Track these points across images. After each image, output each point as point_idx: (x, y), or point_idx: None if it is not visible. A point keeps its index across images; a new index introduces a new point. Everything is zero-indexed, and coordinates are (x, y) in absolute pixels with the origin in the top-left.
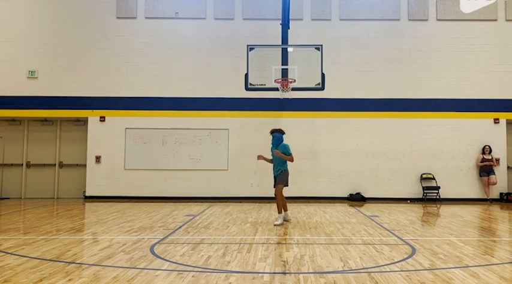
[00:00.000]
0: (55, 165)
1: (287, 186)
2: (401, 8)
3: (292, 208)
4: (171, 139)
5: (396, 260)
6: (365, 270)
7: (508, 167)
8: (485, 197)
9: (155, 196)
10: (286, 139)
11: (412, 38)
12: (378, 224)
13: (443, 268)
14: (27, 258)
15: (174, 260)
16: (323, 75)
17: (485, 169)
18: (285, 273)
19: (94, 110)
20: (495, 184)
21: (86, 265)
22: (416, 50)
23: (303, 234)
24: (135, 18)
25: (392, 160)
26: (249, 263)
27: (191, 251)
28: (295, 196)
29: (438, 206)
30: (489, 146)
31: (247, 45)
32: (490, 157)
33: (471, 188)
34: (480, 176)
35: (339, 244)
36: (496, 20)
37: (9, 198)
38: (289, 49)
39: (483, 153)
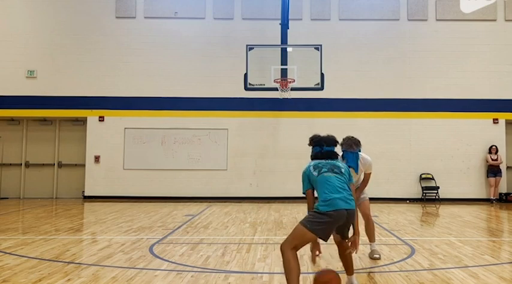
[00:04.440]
0: (54, 164)
1: None
2: (401, 8)
3: (291, 208)
4: (170, 139)
5: (395, 261)
6: (364, 270)
7: (508, 167)
8: (484, 197)
9: (154, 196)
10: (286, 140)
11: (412, 38)
12: (377, 224)
13: (442, 268)
14: (26, 258)
15: (173, 260)
16: (322, 75)
17: (493, 169)
18: (284, 273)
19: (93, 110)
20: (497, 186)
21: (85, 265)
22: (415, 50)
23: None
24: (134, 18)
25: (391, 160)
26: (248, 263)
27: (190, 251)
28: (294, 196)
29: (437, 206)
30: (496, 146)
31: (247, 45)
32: (496, 157)
33: (470, 188)
34: (487, 177)
35: None
36: (495, 20)
37: (8, 198)
38: (289, 49)
39: (490, 152)
